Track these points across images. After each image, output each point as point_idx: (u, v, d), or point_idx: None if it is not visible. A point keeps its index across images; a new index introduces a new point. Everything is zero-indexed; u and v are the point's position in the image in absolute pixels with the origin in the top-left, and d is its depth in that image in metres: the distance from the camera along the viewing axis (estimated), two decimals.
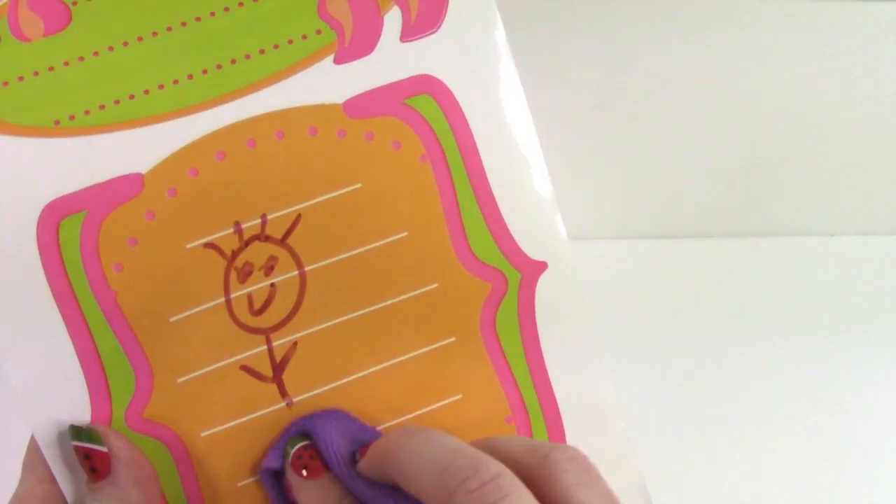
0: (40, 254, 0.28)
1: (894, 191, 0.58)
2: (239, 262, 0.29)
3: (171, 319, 0.29)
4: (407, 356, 0.30)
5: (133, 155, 0.28)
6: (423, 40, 0.30)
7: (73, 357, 0.28)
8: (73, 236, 0.28)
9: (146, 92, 0.28)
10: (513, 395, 0.31)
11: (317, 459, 0.28)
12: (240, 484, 0.30)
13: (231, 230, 0.29)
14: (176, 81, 0.28)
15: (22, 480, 0.29)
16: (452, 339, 0.30)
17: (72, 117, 0.28)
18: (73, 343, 0.28)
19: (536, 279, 0.31)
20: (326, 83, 0.29)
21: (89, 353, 0.28)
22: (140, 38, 0.28)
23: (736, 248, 0.59)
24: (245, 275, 0.29)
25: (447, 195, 0.30)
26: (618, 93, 0.50)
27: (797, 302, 0.56)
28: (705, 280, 0.57)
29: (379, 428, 0.30)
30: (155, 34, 0.28)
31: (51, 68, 0.28)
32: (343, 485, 0.28)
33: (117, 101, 0.28)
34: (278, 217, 0.29)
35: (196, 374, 0.29)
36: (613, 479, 0.25)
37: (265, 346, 0.29)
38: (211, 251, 0.29)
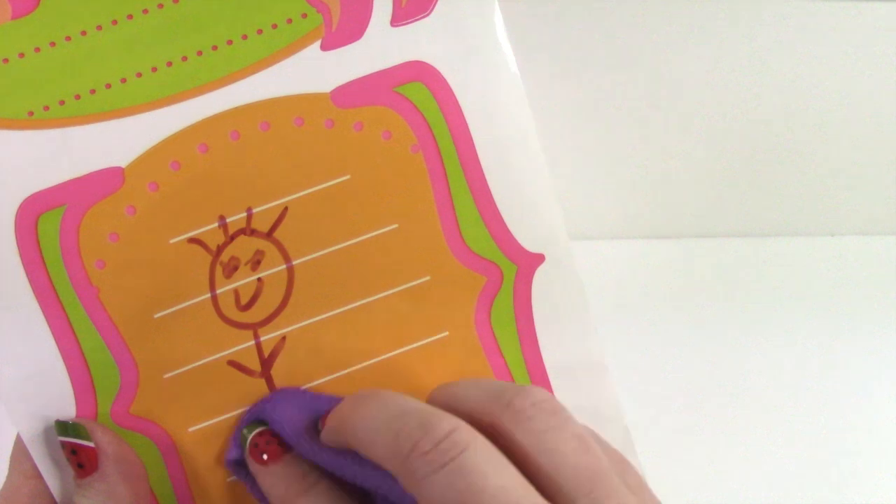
0: (19, 251, 0.27)
1: (894, 191, 0.58)
2: (224, 256, 0.28)
3: (156, 316, 0.28)
4: (399, 351, 0.30)
5: (112, 148, 0.27)
6: (415, 24, 0.28)
7: (56, 354, 0.28)
8: (53, 232, 0.27)
9: (123, 81, 0.27)
10: None
11: (273, 444, 0.28)
12: (229, 479, 0.29)
13: (216, 224, 0.28)
14: (154, 69, 0.27)
15: (8, 477, 0.29)
16: (446, 332, 0.30)
17: (46, 108, 0.27)
18: (56, 340, 0.28)
19: (533, 272, 0.30)
20: (313, 71, 0.28)
21: (72, 350, 0.28)
22: (114, 22, 0.27)
23: (736, 248, 0.58)
24: (231, 270, 0.28)
25: (440, 186, 0.29)
26: (617, 93, 0.49)
27: (797, 302, 0.56)
28: (705, 280, 0.56)
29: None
30: (130, 17, 0.27)
31: (21, 54, 0.27)
32: (306, 460, 0.27)
33: (93, 91, 0.27)
34: (264, 210, 0.28)
35: (182, 369, 0.29)
36: None
37: (253, 342, 0.29)
38: (195, 246, 0.28)
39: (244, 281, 0.28)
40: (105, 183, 0.27)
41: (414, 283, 0.29)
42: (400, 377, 0.30)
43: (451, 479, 0.22)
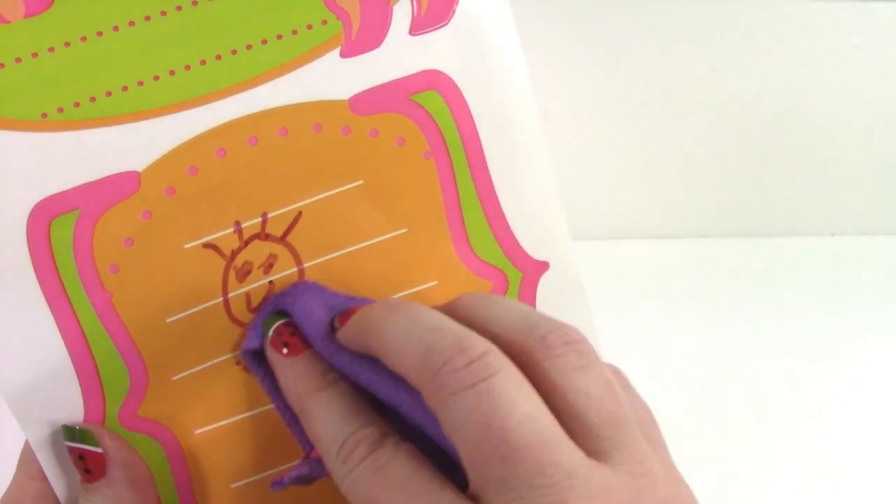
0: (31, 255, 0.26)
1: (894, 191, 0.58)
2: (238, 261, 0.28)
3: (168, 320, 0.28)
4: None
5: (128, 151, 0.27)
6: (433, 34, 0.28)
7: (66, 358, 0.27)
8: (66, 236, 0.27)
9: (140, 83, 0.26)
10: None
11: (296, 336, 0.27)
12: (233, 486, 0.30)
13: (231, 230, 0.28)
14: (172, 73, 0.27)
15: (14, 478, 0.28)
16: None
17: (60, 109, 0.26)
18: (66, 344, 0.27)
19: (538, 279, 0.31)
20: (332, 78, 0.28)
21: (82, 354, 0.27)
22: (132, 23, 0.26)
23: (736, 248, 0.58)
24: (244, 274, 0.28)
25: (449, 192, 0.30)
26: (617, 93, 0.49)
27: (797, 302, 0.56)
28: (705, 280, 0.57)
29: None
30: (148, 18, 0.26)
31: (34, 54, 0.26)
32: (325, 359, 0.27)
33: (109, 93, 0.26)
34: (279, 215, 0.28)
35: (191, 371, 0.29)
36: None
37: None
38: (210, 251, 0.28)
39: (256, 284, 0.29)
40: (121, 187, 0.27)
41: (421, 287, 0.30)
42: None
43: (480, 399, 0.21)
